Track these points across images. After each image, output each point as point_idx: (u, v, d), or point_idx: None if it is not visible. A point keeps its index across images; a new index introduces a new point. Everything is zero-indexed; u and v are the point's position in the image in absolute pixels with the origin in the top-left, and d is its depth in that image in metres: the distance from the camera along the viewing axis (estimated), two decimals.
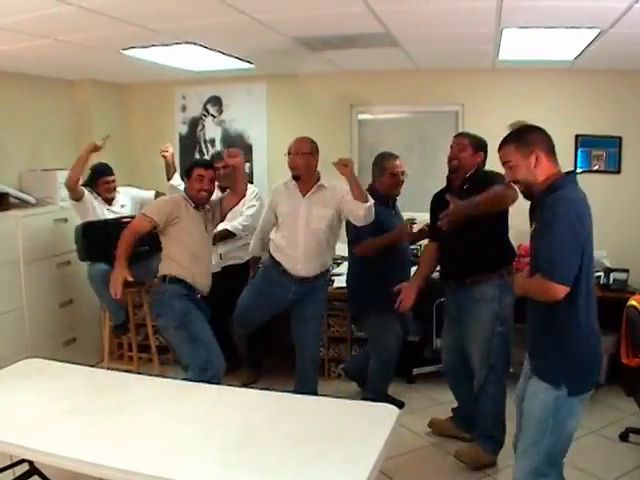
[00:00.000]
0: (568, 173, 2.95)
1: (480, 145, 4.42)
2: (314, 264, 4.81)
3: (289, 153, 4.78)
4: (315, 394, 4.69)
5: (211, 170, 4.55)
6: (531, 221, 3.01)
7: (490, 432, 4.31)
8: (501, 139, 3.04)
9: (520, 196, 3.18)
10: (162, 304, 4.50)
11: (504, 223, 4.32)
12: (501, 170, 3.17)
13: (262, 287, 4.98)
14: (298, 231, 4.77)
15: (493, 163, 3.64)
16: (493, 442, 4.29)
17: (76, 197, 5.42)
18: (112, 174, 5.73)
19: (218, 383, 4.08)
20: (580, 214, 2.78)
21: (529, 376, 3.06)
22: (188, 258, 4.47)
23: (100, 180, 5.64)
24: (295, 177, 4.79)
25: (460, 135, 4.57)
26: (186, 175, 4.59)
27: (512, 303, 4.21)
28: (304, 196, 4.77)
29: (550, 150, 2.91)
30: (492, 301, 4.19)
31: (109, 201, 5.74)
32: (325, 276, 5.01)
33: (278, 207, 4.88)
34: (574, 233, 2.73)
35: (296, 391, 4.63)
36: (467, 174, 4.34)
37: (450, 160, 4.43)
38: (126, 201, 5.89)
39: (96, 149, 5.39)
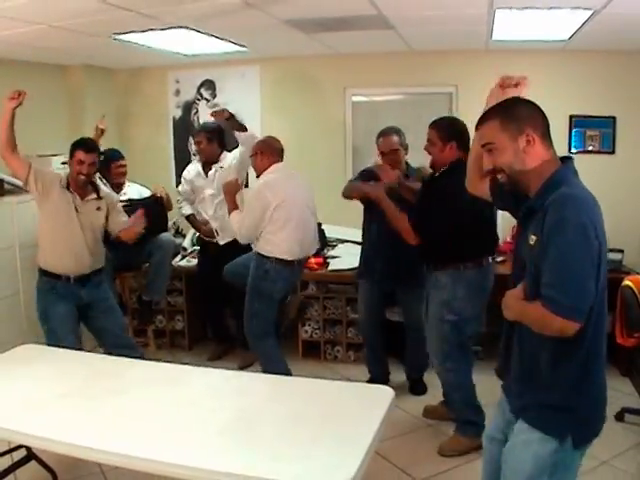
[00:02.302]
0: (563, 160, 2.32)
1: (451, 135, 4.13)
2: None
3: None
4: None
5: (93, 154, 4.47)
6: (523, 227, 2.37)
7: (467, 417, 4.32)
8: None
9: None
10: (36, 297, 4.61)
11: (474, 221, 4.00)
12: None
13: None
14: None
15: None
16: (473, 426, 4.26)
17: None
18: (124, 158, 5.84)
19: None
20: (594, 219, 2.11)
21: (511, 419, 2.44)
22: (51, 241, 4.48)
23: (113, 164, 5.69)
24: None
25: (430, 126, 4.22)
26: (69, 154, 4.50)
27: (466, 297, 4.12)
28: None
29: (545, 131, 2.28)
30: (443, 288, 4.15)
31: (119, 186, 5.77)
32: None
33: None
34: (589, 246, 2.07)
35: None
36: (442, 169, 4.17)
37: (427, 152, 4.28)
38: (133, 194, 5.86)
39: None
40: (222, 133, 5.74)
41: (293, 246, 4.76)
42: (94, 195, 4.58)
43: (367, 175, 4.98)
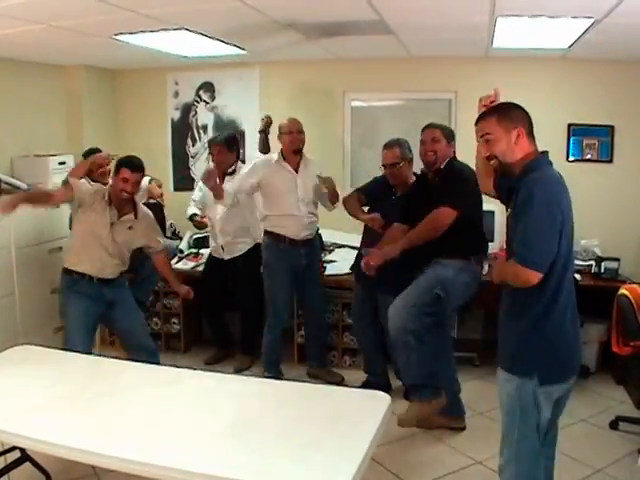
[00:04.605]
0: (542, 153, 2.86)
1: (452, 135, 4.51)
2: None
3: (290, 132, 5.22)
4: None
5: (137, 173, 4.56)
6: (506, 205, 2.93)
7: (418, 381, 4.24)
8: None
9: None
10: (59, 296, 4.84)
11: (475, 214, 4.32)
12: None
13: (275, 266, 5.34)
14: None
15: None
16: (428, 390, 4.21)
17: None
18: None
19: None
20: (558, 195, 2.70)
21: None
22: (80, 244, 4.61)
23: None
24: (296, 151, 5.24)
25: (430, 127, 4.46)
26: (115, 170, 4.60)
27: (465, 289, 4.26)
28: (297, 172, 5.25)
29: (530, 129, 2.83)
30: (447, 268, 4.19)
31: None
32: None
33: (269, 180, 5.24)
34: (551, 216, 2.64)
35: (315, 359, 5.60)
36: (441, 166, 4.36)
37: (426, 153, 4.38)
38: None
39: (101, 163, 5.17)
40: (238, 142, 5.76)
41: None
42: (132, 215, 4.67)
43: (376, 185, 5.10)
